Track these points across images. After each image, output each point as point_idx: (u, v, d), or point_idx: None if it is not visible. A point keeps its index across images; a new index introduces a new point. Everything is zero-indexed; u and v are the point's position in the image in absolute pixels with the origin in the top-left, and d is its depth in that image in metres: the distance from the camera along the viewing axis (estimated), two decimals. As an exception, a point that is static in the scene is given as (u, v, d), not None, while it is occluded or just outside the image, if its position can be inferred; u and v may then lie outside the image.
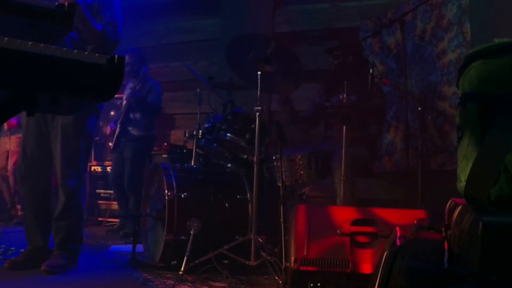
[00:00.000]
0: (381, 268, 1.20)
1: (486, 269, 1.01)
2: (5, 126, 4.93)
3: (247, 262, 2.63)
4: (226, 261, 2.70)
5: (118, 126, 4.46)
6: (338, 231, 2.19)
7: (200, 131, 3.21)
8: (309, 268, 2.12)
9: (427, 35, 3.52)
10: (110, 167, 4.94)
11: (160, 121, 5.26)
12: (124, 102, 4.49)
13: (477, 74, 1.22)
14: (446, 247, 1.24)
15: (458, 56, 3.19)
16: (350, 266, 2.11)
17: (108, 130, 4.67)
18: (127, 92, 4.55)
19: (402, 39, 3.10)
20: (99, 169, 5.29)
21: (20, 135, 4.74)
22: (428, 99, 3.42)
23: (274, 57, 2.95)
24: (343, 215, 2.27)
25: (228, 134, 3.03)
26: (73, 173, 2.73)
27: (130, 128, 4.50)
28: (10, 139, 5.14)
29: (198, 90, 3.91)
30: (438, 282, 0.97)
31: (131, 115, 4.50)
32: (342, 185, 2.75)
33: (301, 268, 2.12)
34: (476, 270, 1.01)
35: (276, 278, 2.41)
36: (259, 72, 2.90)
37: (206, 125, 3.23)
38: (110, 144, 4.55)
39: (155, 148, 4.70)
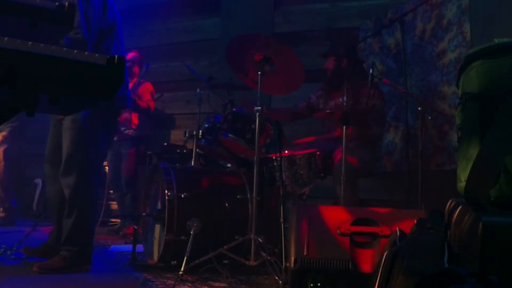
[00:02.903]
0: (381, 268, 1.20)
1: (486, 269, 1.01)
2: None
3: (247, 262, 2.62)
4: (226, 261, 2.70)
5: None
6: (338, 231, 2.19)
7: (200, 131, 3.21)
8: (309, 268, 2.12)
9: (427, 35, 3.52)
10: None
11: (160, 121, 5.26)
12: None
13: (477, 74, 1.22)
14: (446, 247, 1.24)
15: (458, 56, 3.19)
16: (350, 266, 2.11)
17: None
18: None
19: (402, 39, 3.10)
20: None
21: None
22: (428, 99, 3.42)
23: (274, 57, 2.96)
24: (343, 215, 2.27)
25: (228, 134, 3.03)
26: (75, 172, 2.70)
27: (123, 128, 4.54)
28: None
29: (198, 90, 3.90)
30: (438, 282, 0.97)
31: (123, 116, 4.53)
32: (342, 185, 2.75)
33: (301, 268, 2.12)
34: (476, 270, 1.01)
35: (276, 278, 2.42)
36: (259, 72, 2.90)
37: (206, 125, 3.22)
38: None
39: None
